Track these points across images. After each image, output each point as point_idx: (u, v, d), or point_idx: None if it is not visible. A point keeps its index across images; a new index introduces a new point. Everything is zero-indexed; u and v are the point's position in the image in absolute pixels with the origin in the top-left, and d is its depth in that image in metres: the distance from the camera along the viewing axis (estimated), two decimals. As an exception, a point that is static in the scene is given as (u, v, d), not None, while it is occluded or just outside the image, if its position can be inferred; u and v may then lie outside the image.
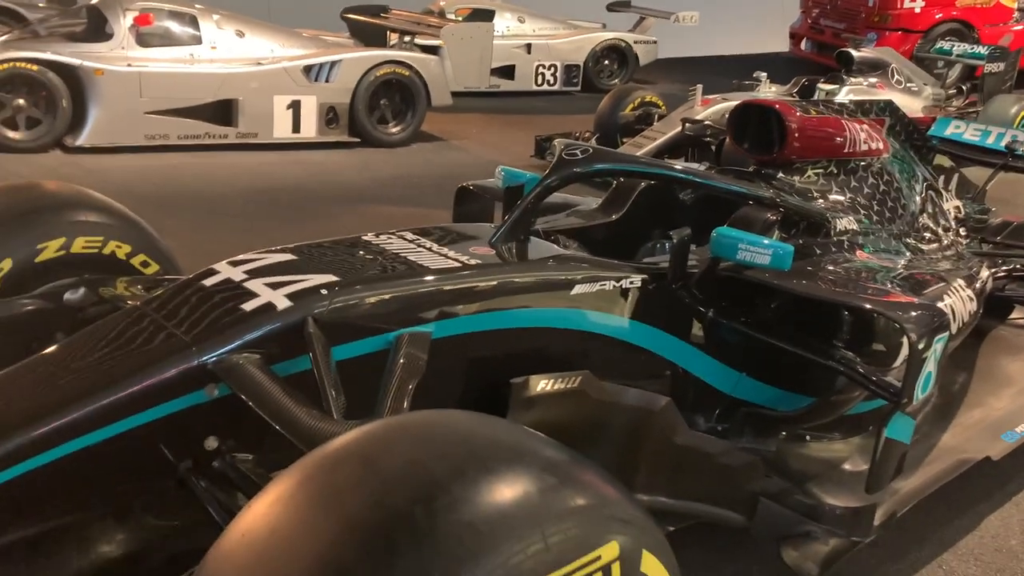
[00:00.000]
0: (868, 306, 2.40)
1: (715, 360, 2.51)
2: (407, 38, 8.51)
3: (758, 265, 2.35)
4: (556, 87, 10.66)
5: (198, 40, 7.16)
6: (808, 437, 2.65)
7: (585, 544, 1.29)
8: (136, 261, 2.60)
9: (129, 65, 6.84)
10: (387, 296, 2.01)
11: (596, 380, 2.15)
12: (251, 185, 6.51)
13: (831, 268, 2.65)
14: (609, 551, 1.30)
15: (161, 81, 6.96)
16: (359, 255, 2.21)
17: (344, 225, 5.45)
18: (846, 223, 2.92)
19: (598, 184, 3.33)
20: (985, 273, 3.25)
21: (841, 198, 3.05)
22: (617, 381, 2.21)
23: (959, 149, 4.26)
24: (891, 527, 2.41)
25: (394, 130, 7.89)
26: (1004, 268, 3.56)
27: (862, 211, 3.07)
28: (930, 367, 2.28)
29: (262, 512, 1.29)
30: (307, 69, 7.45)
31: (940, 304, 2.51)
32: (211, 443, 1.86)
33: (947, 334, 2.37)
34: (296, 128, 7.47)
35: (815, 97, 7.31)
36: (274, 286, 1.98)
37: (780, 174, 2.96)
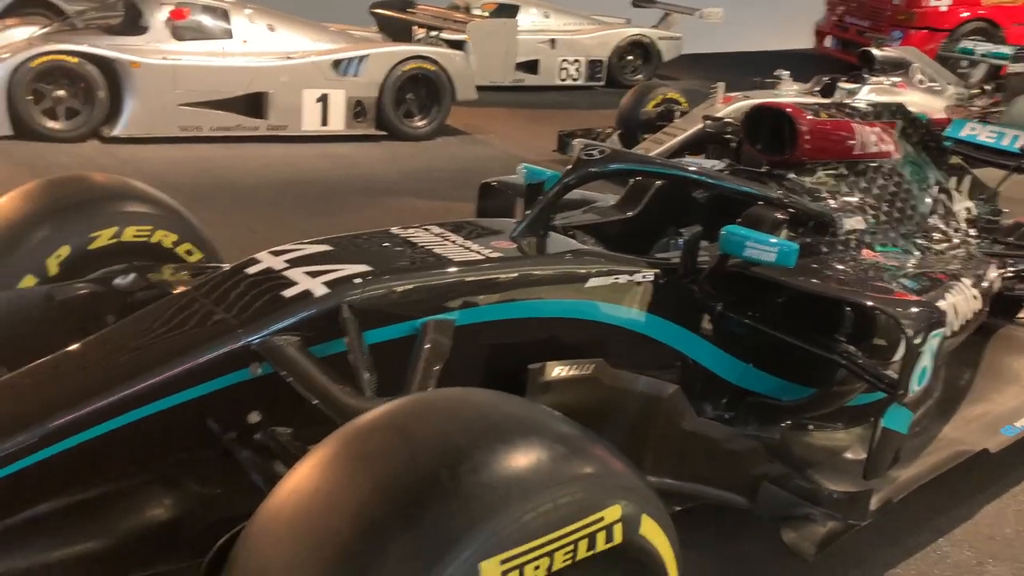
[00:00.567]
0: (867, 303, 2.49)
1: (723, 351, 2.62)
2: (433, 33, 8.64)
3: (764, 262, 2.45)
4: (580, 82, 10.68)
5: (230, 34, 7.34)
6: (810, 426, 2.75)
7: (590, 507, 1.45)
8: (181, 250, 2.78)
9: (164, 58, 7.04)
10: (415, 285, 2.16)
11: (609, 368, 2.28)
12: (281, 177, 6.66)
13: (836, 266, 2.74)
14: (612, 513, 1.47)
15: (195, 74, 7.15)
16: (390, 247, 2.37)
17: (371, 217, 5.61)
18: (854, 223, 2.99)
19: (618, 180, 3.46)
20: (994, 273, 3.31)
21: (850, 199, 3.13)
22: (629, 369, 2.33)
23: (974, 151, 4.30)
24: (888, 513, 2.50)
25: (420, 124, 8.02)
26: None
27: (871, 211, 3.16)
28: (925, 361, 2.38)
29: (306, 474, 1.46)
30: (336, 63, 7.60)
31: (940, 302, 2.60)
32: (253, 417, 2.02)
33: (943, 330, 2.46)
34: (324, 121, 7.63)
35: (836, 95, 7.33)
36: (312, 275, 2.14)
37: (791, 174, 3.04)
